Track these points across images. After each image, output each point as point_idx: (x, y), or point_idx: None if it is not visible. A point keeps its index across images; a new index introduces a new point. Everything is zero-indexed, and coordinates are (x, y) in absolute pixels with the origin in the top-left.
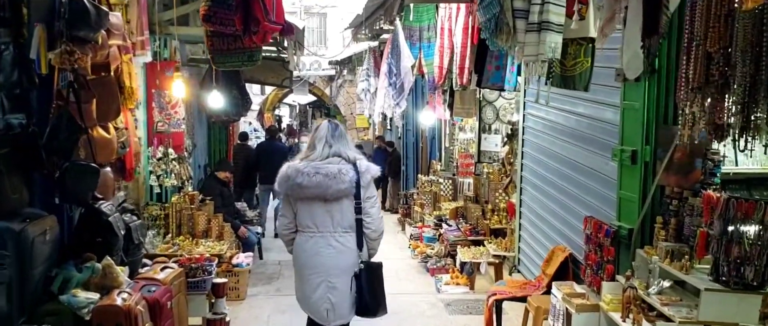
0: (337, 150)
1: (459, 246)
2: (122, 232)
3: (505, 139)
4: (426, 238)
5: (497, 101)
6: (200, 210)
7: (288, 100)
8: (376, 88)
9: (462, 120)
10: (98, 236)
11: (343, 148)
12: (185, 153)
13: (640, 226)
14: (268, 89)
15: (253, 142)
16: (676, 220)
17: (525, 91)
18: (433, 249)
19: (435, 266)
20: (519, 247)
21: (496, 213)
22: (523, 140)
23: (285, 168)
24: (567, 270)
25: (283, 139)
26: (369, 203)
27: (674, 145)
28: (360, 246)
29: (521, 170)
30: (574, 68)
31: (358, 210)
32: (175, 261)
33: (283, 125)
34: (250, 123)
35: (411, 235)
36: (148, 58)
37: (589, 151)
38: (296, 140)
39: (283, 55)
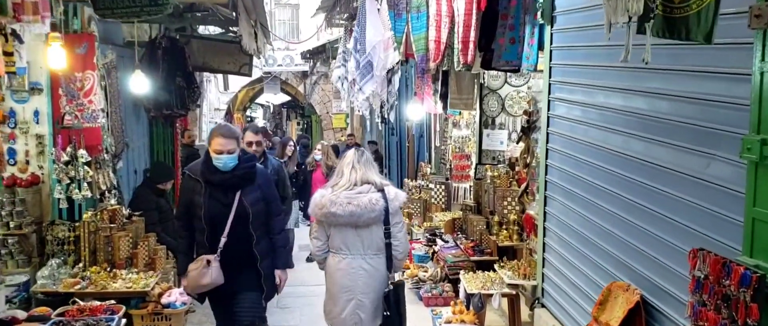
0: (365, 177)
1: (462, 272)
2: None
3: (519, 134)
4: (417, 257)
5: (502, 89)
6: (124, 230)
7: (261, 99)
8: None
9: (459, 113)
10: None
11: (370, 173)
12: (104, 155)
13: None
14: (235, 85)
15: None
16: None
17: (550, 68)
18: (426, 271)
19: (430, 294)
20: (543, 274)
21: (505, 227)
22: (548, 134)
23: (319, 196)
24: (638, 321)
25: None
26: (397, 228)
27: None
28: (390, 268)
29: (546, 173)
30: (687, 5)
31: (387, 234)
32: (61, 314)
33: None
34: (216, 122)
35: None
36: (46, 28)
37: (682, 148)
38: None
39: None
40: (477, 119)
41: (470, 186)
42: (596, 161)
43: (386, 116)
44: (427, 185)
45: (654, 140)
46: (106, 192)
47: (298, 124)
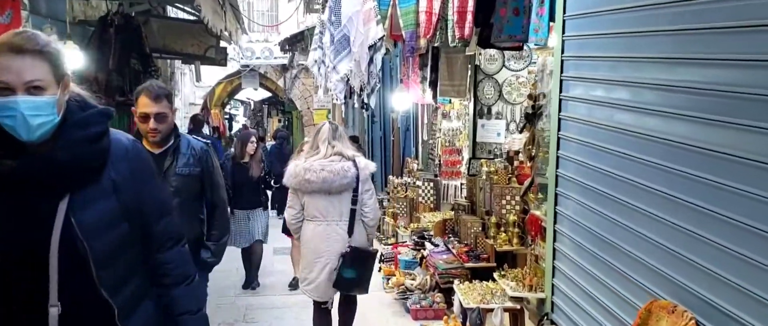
0: (339, 149)
1: (456, 282)
2: None
3: (523, 123)
4: (403, 263)
5: (499, 74)
6: None
7: (240, 95)
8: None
9: (450, 102)
10: None
11: (343, 147)
12: None
13: None
14: (211, 79)
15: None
16: None
17: (563, 42)
18: (413, 278)
19: (418, 305)
20: (553, 286)
21: (503, 229)
22: (560, 120)
23: (293, 166)
24: None
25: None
26: (367, 195)
27: None
28: (350, 232)
29: (557, 167)
30: None
31: (354, 201)
32: None
33: (239, 124)
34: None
35: (382, 257)
36: None
37: (751, 128)
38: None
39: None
40: (471, 109)
41: (462, 184)
42: (626, 150)
43: (366, 101)
44: (414, 183)
45: (709, 120)
46: None
47: (279, 120)
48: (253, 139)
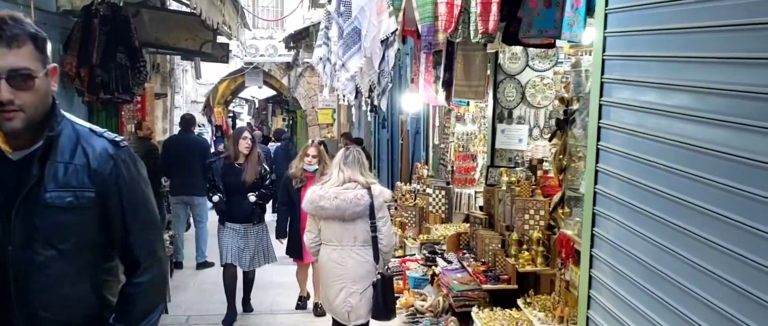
0: (351, 176)
1: (475, 308)
2: None
3: (553, 129)
4: (412, 280)
5: (522, 74)
6: None
7: (245, 94)
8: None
9: (467, 104)
10: None
11: (355, 173)
12: None
13: None
14: (214, 76)
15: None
16: None
17: (605, 39)
18: (424, 299)
19: None
20: (587, 318)
21: (526, 247)
22: (599, 128)
23: (310, 193)
24: None
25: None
26: (381, 222)
27: None
28: (376, 259)
29: (595, 182)
30: None
31: (373, 228)
32: None
33: (243, 123)
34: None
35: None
36: None
37: None
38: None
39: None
40: (490, 112)
41: (475, 193)
42: (683, 166)
43: (377, 104)
44: (424, 190)
45: None
46: None
47: (284, 119)
48: (247, 134)
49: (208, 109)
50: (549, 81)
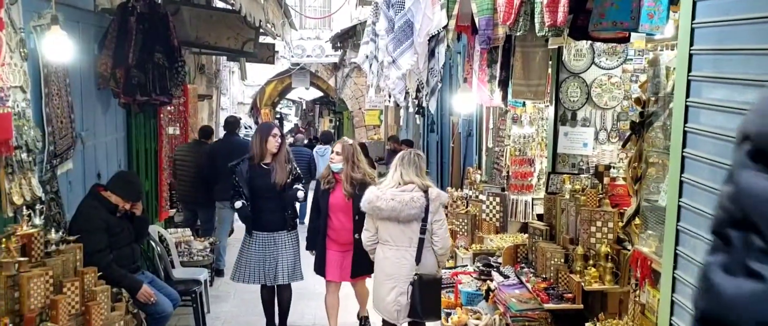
0: (407, 178)
1: None
2: None
3: (624, 133)
4: (465, 295)
5: (588, 72)
6: (42, 265)
7: (292, 95)
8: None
9: (523, 104)
10: None
11: (412, 175)
12: (22, 154)
13: None
14: (261, 77)
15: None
16: None
17: (692, 31)
18: (479, 317)
19: None
20: None
21: (593, 262)
22: (685, 134)
23: (369, 193)
24: None
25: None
26: (437, 225)
27: None
28: (418, 260)
29: (680, 195)
30: None
31: (423, 231)
32: None
33: (290, 124)
34: (240, 118)
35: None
36: None
37: None
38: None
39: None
40: (551, 114)
41: (533, 200)
42: None
43: (425, 105)
44: (477, 196)
45: None
46: (25, 207)
47: (331, 121)
48: (276, 131)
49: (255, 110)
50: (617, 79)
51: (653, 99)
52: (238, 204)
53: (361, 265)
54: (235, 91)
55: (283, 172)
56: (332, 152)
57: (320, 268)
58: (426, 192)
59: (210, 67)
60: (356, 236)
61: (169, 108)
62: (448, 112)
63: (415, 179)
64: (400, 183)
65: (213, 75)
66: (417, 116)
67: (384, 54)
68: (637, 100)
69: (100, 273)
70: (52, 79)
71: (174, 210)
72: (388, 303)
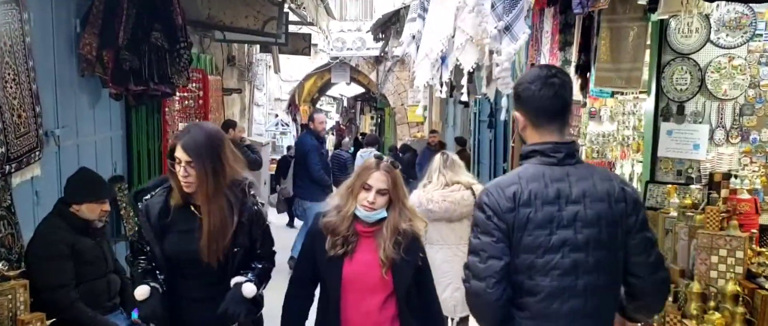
0: (453, 179)
1: None
2: None
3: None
4: None
5: (700, 53)
6: None
7: (332, 91)
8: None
9: (612, 95)
10: None
11: (457, 175)
12: None
13: None
14: (299, 72)
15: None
16: None
17: None
18: None
19: None
20: None
21: (716, 304)
22: None
23: (415, 196)
24: None
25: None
26: None
27: None
28: None
29: None
30: None
31: None
32: None
33: (331, 122)
34: (277, 115)
35: None
36: None
37: None
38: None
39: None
40: (651, 106)
41: None
42: None
43: (485, 92)
44: None
45: None
46: None
47: (372, 118)
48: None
49: (292, 107)
50: (741, 62)
51: None
52: (143, 291)
53: None
54: (272, 87)
55: (225, 226)
56: (367, 189)
57: None
58: (471, 190)
59: (241, 59)
60: None
61: (184, 102)
62: (506, 106)
63: (461, 179)
64: (446, 185)
65: (245, 68)
66: (468, 110)
67: (488, 22)
68: None
69: (60, 316)
70: (5, 59)
71: None
72: (445, 299)
